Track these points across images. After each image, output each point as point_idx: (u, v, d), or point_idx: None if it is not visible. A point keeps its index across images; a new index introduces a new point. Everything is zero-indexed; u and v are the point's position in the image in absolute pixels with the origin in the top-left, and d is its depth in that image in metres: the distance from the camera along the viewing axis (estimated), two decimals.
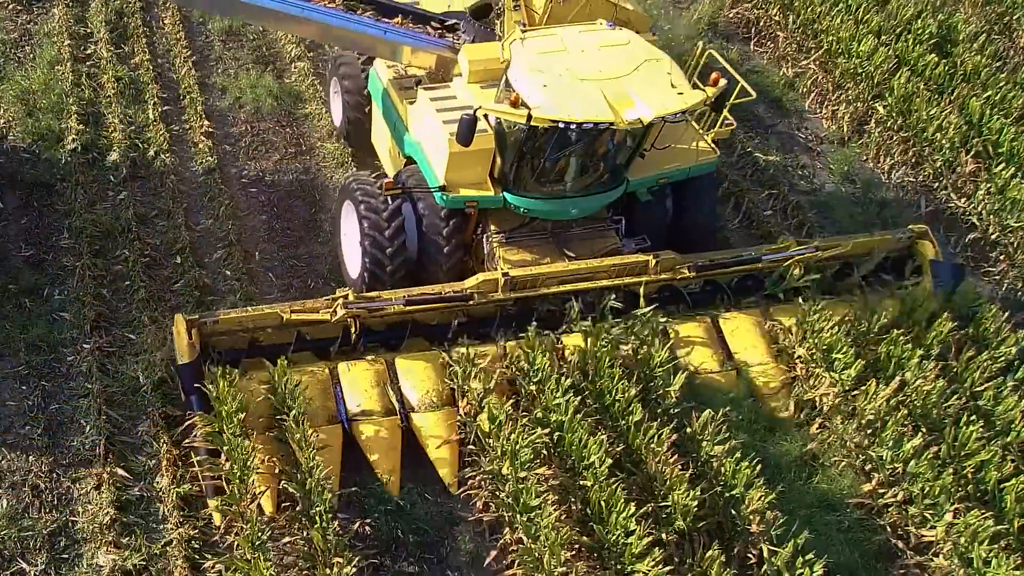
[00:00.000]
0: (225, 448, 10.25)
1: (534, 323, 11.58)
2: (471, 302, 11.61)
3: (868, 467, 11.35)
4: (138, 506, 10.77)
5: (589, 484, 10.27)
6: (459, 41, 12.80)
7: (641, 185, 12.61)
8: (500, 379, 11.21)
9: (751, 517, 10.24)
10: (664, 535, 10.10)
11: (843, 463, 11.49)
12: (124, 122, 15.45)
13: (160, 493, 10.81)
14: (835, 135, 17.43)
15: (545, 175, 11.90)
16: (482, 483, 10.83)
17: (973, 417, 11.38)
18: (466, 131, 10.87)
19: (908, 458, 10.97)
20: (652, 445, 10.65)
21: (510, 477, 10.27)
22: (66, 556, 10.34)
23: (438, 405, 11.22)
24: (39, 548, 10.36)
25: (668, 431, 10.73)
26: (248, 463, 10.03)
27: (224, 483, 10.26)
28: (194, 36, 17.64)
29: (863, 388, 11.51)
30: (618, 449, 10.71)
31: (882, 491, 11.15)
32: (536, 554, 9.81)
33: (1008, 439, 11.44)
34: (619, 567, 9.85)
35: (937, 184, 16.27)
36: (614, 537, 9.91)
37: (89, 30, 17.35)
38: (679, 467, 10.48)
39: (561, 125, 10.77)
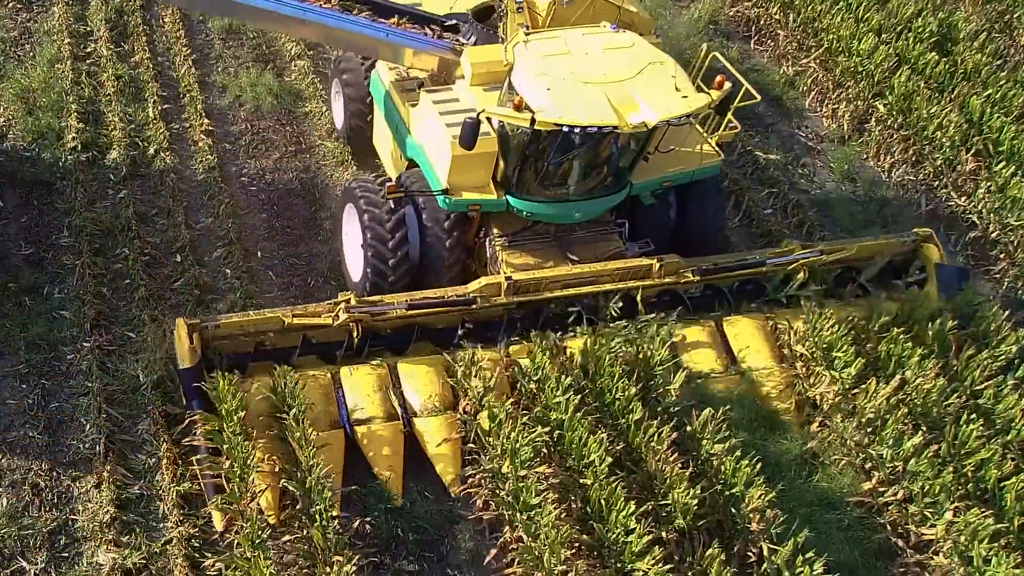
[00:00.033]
0: (226, 447, 10.23)
1: (536, 328, 11.58)
2: (474, 306, 11.55)
3: (868, 465, 11.34)
4: (138, 504, 10.77)
5: (589, 482, 10.27)
6: (462, 43, 12.74)
7: (645, 188, 12.53)
8: (500, 379, 11.17)
9: (751, 515, 10.24)
10: (664, 533, 10.10)
11: (843, 461, 11.48)
12: (124, 120, 15.44)
13: (160, 491, 10.81)
14: (835, 133, 17.42)
15: (548, 178, 11.83)
16: (482, 481, 10.82)
17: (973, 415, 11.37)
18: (469, 134, 10.81)
19: (908, 456, 10.97)
20: (652, 443, 10.65)
21: (510, 475, 10.27)
22: (66, 554, 10.34)
23: (441, 410, 11.13)
24: (39, 546, 10.35)
25: (668, 429, 10.73)
26: (248, 461, 10.02)
27: (224, 481, 10.24)
28: (194, 34, 17.63)
29: (863, 386, 11.49)
30: (618, 447, 10.71)
31: (882, 489, 11.14)
32: (536, 552, 9.81)
33: (1008, 437, 11.43)
34: (619, 565, 9.84)
35: (937, 183, 16.26)
36: (614, 535, 9.91)
37: (89, 28, 17.35)
38: (679, 465, 10.47)
39: (565, 129, 10.70)
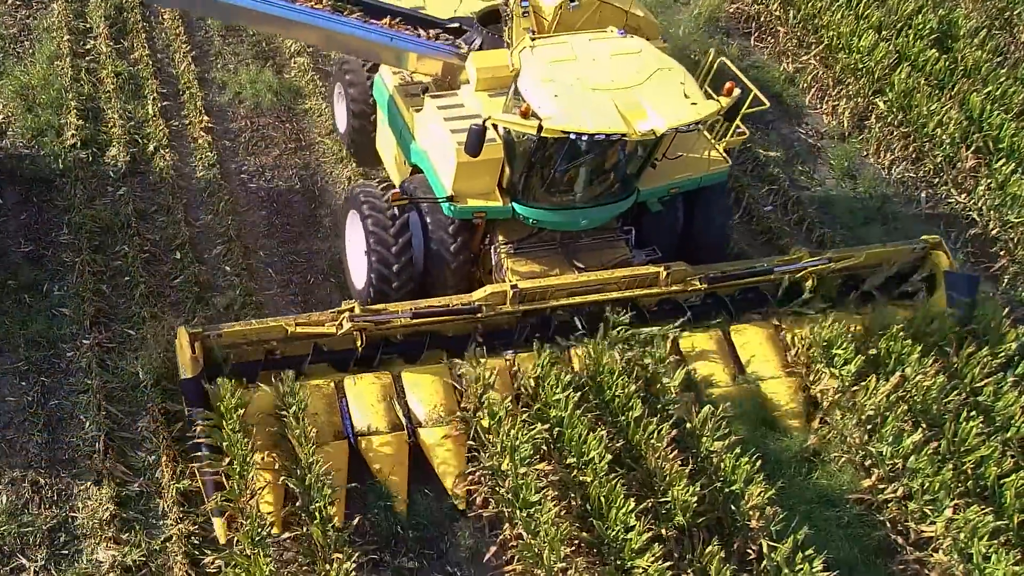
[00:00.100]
0: (225, 444, 10.22)
1: (546, 336, 11.54)
2: (480, 315, 11.43)
3: (868, 463, 11.34)
4: (138, 502, 10.77)
5: (589, 480, 10.27)
6: (465, 47, 12.62)
7: (652, 195, 12.38)
8: (505, 382, 11.12)
9: (751, 513, 10.25)
10: (664, 531, 10.11)
11: (843, 459, 11.48)
12: (123, 118, 15.43)
13: (160, 489, 10.81)
14: (835, 130, 17.41)
15: (555, 185, 11.69)
16: (482, 479, 10.80)
17: (973, 413, 11.35)
18: (475, 142, 10.70)
19: (908, 454, 10.96)
20: (652, 441, 10.64)
21: (510, 473, 10.26)
22: (66, 552, 10.34)
23: (446, 420, 11.02)
24: (39, 544, 10.35)
25: (668, 427, 10.73)
26: (248, 459, 10.01)
27: (224, 479, 10.23)
28: (193, 31, 17.61)
29: (863, 384, 11.48)
30: (618, 445, 10.71)
31: (882, 487, 11.14)
32: (536, 550, 9.81)
33: (1008, 435, 11.42)
34: (619, 563, 9.85)
35: (937, 180, 16.26)
36: (614, 533, 9.91)
37: (88, 25, 17.32)
38: (679, 463, 10.47)
39: (572, 136, 10.56)
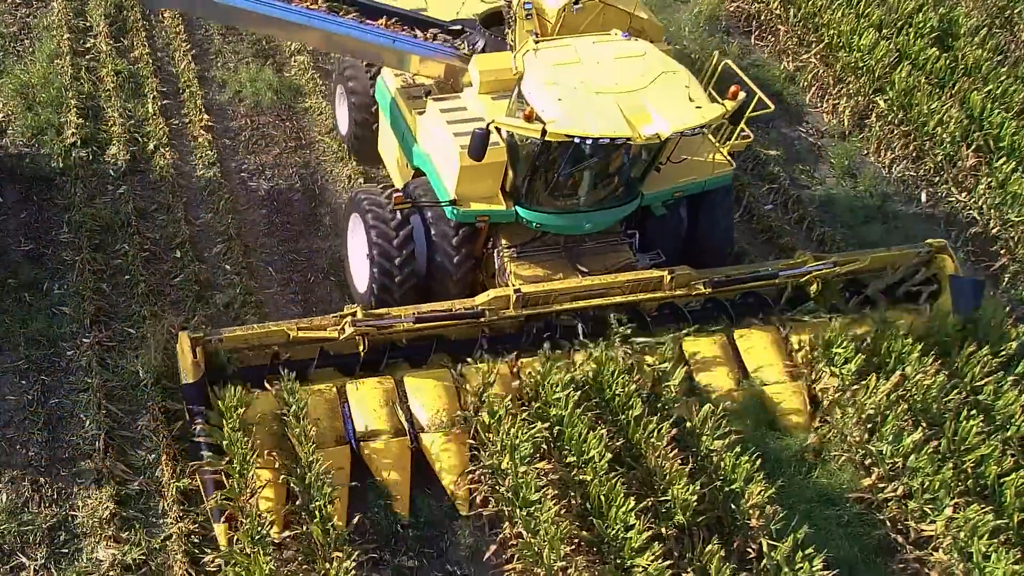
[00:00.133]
0: (225, 443, 10.21)
1: (553, 338, 11.50)
2: (483, 319, 11.37)
3: (868, 462, 11.33)
4: (138, 500, 10.77)
5: (589, 478, 10.27)
6: (467, 50, 12.51)
7: (656, 199, 12.30)
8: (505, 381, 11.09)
9: (751, 512, 10.25)
10: (664, 529, 10.10)
11: (843, 458, 11.47)
12: (123, 116, 15.42)
13: (160, 488, 10.81)
14: (836, 129, 17.41)
15: (558, 189, 11.62)
16: (482, 477, 10.80)
17: (973, 412, 11.35)
18: (478, 145, 10.62)
19: (908, 452, 10.96)
20: (652, 439, 10.64)
21: (510, 471, 10.26)
22: (66, 550, 10.34)
23: (449, 425, 10.99)
24: (39, 542, 10.35)
25: (668, 425, 10.73)
26: (248, 458, 10.00)
27: (224, 477, 10.23)
28: (193, 30, 17.60)
29: (863, 382, 11.48)
30: (618, 444, 10.70)
31: (882, 486, 11.14)
32: (536, 548, 9.82)
33: (1008, 434, 11.42)
34: (618, 561, 9.85)
35: (938, 178, 16.26)
36: (614, 531, 9.91)
37: (88, 24, 17.32)
38: (679, 461, 10.47)
39: (576, 140, 10.50)
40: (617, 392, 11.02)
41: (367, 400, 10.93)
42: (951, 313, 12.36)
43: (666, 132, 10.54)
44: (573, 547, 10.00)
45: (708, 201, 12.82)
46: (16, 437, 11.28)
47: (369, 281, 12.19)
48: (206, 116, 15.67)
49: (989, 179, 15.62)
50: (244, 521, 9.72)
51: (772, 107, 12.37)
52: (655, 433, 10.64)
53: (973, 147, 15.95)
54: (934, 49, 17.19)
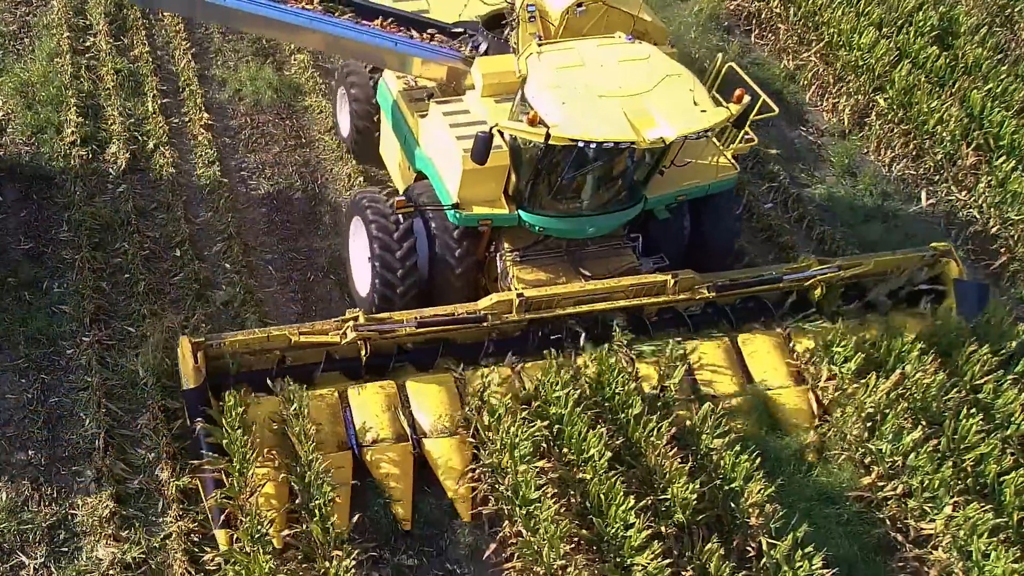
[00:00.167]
0: (225, 441, 10.20)
1: (556, 343, 11.45)
2: (485, 323, 11.30)
3: (868, 460, 11.32)
4: (137, 499, 10.77)
5: (588, 477, 10.27)
6: (468, 50, 12.45)
7: (659, 203, 12.22)
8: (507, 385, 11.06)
9: (750, 510, 10.25)
10: (663, 528, 10.10)
11: (843, 456, 11.47)
12: (123, 115, 15.42)
13: (160, 486, 10.80)
14: (836, 128, 17.41)
15: (561, 193, 11.55)
16: (481, 476, 10.79)
17: (973, 410, 11.35)
18: (481, 149, 10.57)
19: (908, 451, 10.96)
20: (652, 438, 10.64)
21: (509, 470, 10.26)
22: (65, 549, 10.33)
23: (451, 430, 10.92)
24: (38, 541, 10.35)
25: (667, 424, 10.72)
26: (248, 456, 9.99)
27: (224, 476, 10.23)
28: (193, 28, 17.59)
29: (863, 381, 11.48)
30: (617, 442, 10.68)
31: (881, 484, 11.13)
32: (535, 547, 9.82)
33: (1008, 432, 11.43)
34: (618, 560, 9.85)
35: (938, 177, 16.26)
36: (613, 530, 9.91)
37: (88, 22, 17.31)
38: (678, 460, 10.47)
39: (580, 144, 10.43)
40: (617, 391, 11.01)
41: (369, 405, 10.86)
42: (955, 317, 12.28)
43: (670, 136, 10.47)
44: (573, 546, 9.99)
45: (712, 205, 12.75)
46: (16, 436, 11.28)
47: (371, 285, 12.11)
48: (206, 115, 15.66)
49: (989, 178, 15.62)
50: (244, 520, 9.72)
51: (776, 110, 12.32)
52: (655, 432, 10.64)
53: (973, 146, 15.96)
54: (934, 48, 17.19)
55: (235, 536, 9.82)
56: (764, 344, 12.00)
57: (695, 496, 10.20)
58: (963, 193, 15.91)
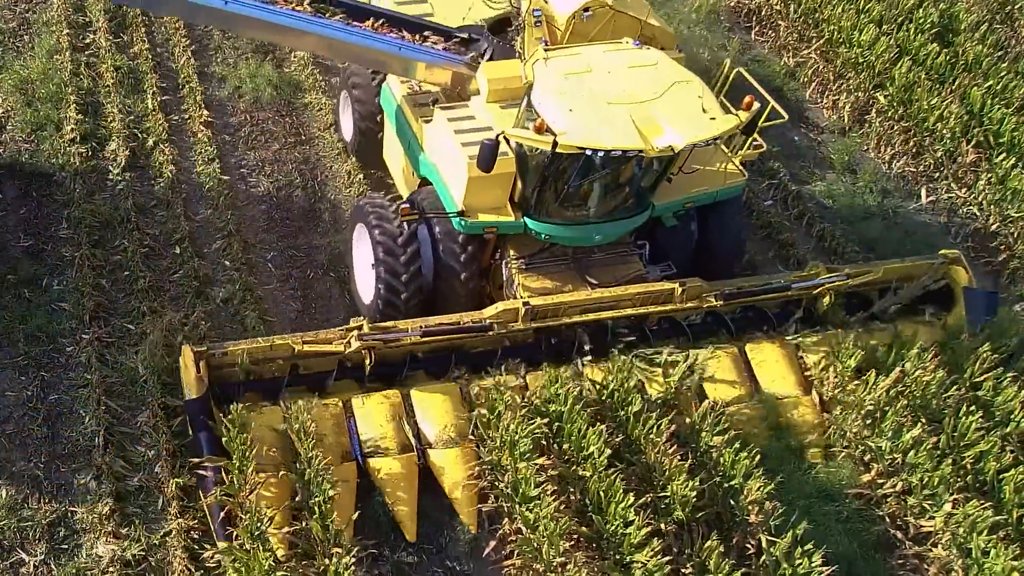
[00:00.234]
0: (224, 440, 10.18)
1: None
2: (490, 332, 11.18)
3: (867, 457, 11.33)
4: (137, 496, 10.76)
5: (588, 474, 10.27)
6: (468, 53, 12.32)
7: (667, 210, 12.08)
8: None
9: (750, 507, 10.25)
10: (663, 525, 10.10)
11: (842, 453, 11.47)
12: (123, 112, 15.41)
13: (160, 484, 10.79)
14: (836, 125, 17.40)
15: (568, 200, 11.36)
16: (481, 473, 10.79)
17: (973, 408, 11.35)
18: (488, 157, 10.44)
19: (907, 448, 10.96)
20: (651, 435, 10.64)
21: (509, 467, 10.26)
22: (65, 546, 10.34)
23: (457, 441, 10.79)
24: (38, 538, 10.35)
25: (667, 421, 10.72)
26: (248, 454, 9.99)
27: (224, 474, 10.22)
28: (193, 25, 17.51)
29: (863, 378, 11.47)
30: (617, 440, 10.68)
31: (881, 481, 11.14)
32: (535, 544, 9.83)
33: (1007, 430, 11.42)
34: (618, 557, 9.86)
35: (938, 174, 16.27)
36: (613, 527, 9.92)
37: (88, 19, 17.28)
38: (678, 457, 10.47)
39: (588, 152, 10.28)
40: (616, 388, 11.01)
41: (373, 415, 10.76)
42: (966, 326, 12.21)
43: (679, 144, 10.34)
44: (572, 543, 9.98)
45: (719, 211, 12.63)
46: (15, 433, 11.28)
47: (375, 292, 11.99)
48: (206, 112, 15.65)
49: (989, 175, 15.63)
50: (243, 518, 9.71)
51: (786, 117, 12.18)
52: (654, 429, 10.64)
53: (973, 143, 15.96)
54: (934, 45, 17.19)
55: (235, 534, 9.80)
56: (773, 353, 11.89)
57: (695, 493, 10.20)
58: (963, 190, 15.91)
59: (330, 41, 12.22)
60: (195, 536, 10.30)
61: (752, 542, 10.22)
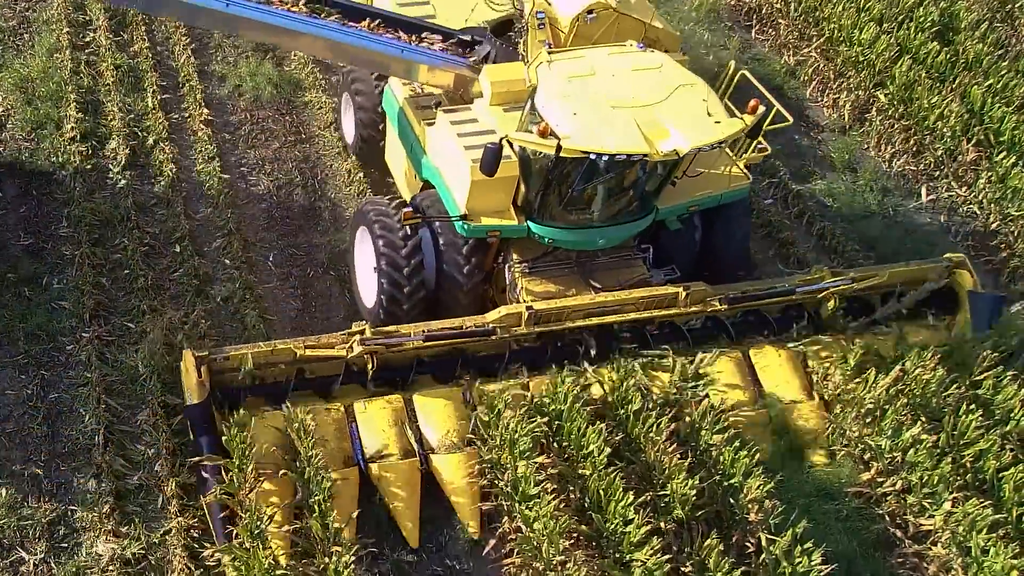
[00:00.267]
0: (224, 438, 10.17)
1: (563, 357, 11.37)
2: (493, 337, 11.11)
3: (867, 456, 11.32)
4: (137, 495, 10.76)
5: (588, 473, 10.27)
6: (478, 60, 12.22)
7: (671, 213, 12.01)
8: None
9: (749, 506, 10.24)
10: (663, 524, 10.09)
11: (842, 452, 11.47)
12: (123, 110, 15.41)
13: (159, 482, 10.80)
14: (836, 123, 17.39)
15: (572, 204, 11.25)
16: (481, 472, 10.79)
17: (972, 406, 11.33)
18: (491, 161, 10.38)
19: (907, 447, 10.95)
20: (651, 434, 10.64)
21: (509, 466, 10.26)
22: (65, 545, 10.34)
23: (460, 446, 10.72)
24: (38, 537, 10.35)
25: (667, 420, 10.72)
26: (247, 452, 9.98)
27: (224, 472, 10.21)
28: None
29: (863, 376, 11.47)
30: (617, 438, 10.68)
31: (881, 480, 11.13)
32: (535, 543, 9.82)
33: (1007, 428, 11.39)
34: (617, 556, 9.85)
35: (938, 173, 16.26)
36: (612, 526, 9.91)
37: (88, 17, 17.29)
38: (678, 456, 10.47)
39: (592, 156, 10.24)
40: (616, 386, 11.02)
41: (375, 420, 10.69)
42: (971, 331, 12.16)
43: (684, 148, 10.26)
44: (572, 541, 9.97)
45: (723, 215, 12.58)
46: (15, 432, 11.28)
47: (377, 296, 11.94)
48: (206, 110, 15.65)
49: (989, 173, 15.61)
50: (243, 517, 9.72)
51: (791, 120, 12.14)
52: (654, 428, 10.64)
53: (973, 141, 15.95)
54: (935, 43, 17.17)
55: (235, 532, 9.80)
56: (777, 357, 11.83)
57: (694, 492, 10.19)
58: (963, 189, 15.91)
59: (333, 43, 12.11)
60: (195, 535, 10.29)
61: (752, 540, 10.21)
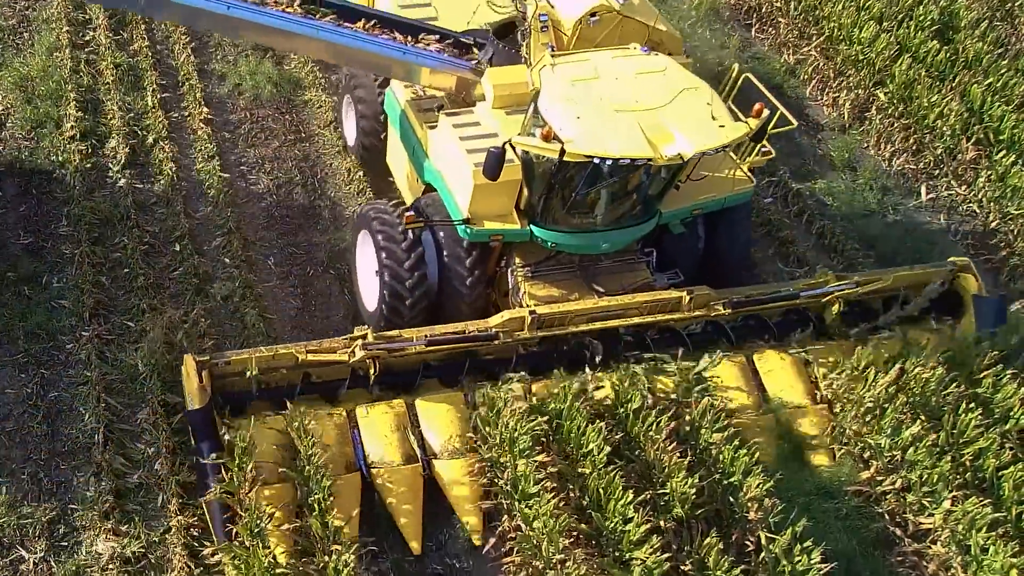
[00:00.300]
0: (225, 437, 10.19)
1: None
2: (496, 341, 11.04)
3: (867, 455, 11.33)
4: (137, 493, 10.77)
5: (587, 472, 10.27)
6: (481, 62, 12.15)
7: (674, 217, 11.95)
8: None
9: (749, 504, 10.24)
10: (662, 522, 10.10)
11: (842, 451, 11.47)
12: (123, 109, 15.41)
13: (159, 481, 10.80)
14: (836, 122, 17.39)
15: (575, 208, 11.21)
16: (481, 470, 10.79)
17: (972, 405, 11.34)
18: (494, 165, 10.32)
19: (907, 446, 10.96)
20: (651, 433, 10.64)
21: (509, 464, 10.27)
22: (65, 543, 10.35)
23: (462, 452, 10.66)
24: (38, 535, 10.36)
25: (667, 419, 10.72)
26: (248, 450, 9.99)
27: (224, 470, 10.21)
28: None
29: (863, 375, 11.47)
30: (617, 437, 10.68)
31: (880, 479, 11.14)
32: (534, 541, 9.83)
33: (1007, 427, 11.41)
34: (617, 554, 9.86)
35: (938, 171, 16.26)
36: (612, 524, 9.92)
37: (88, 16, 17.28)
38: (677, 455, 10.47)
39: (596, 160, 10.16)
40: (616, 386, 11.02)
41: (378, 425, 10.64)
42: (976, 333, 12.11)
43: (688, 153, 10.22)
44: (572, 540, 9.96)
45: (727, 218, 12.53)
46: (15, 430, 11.29)
47: (379, 300, 11.89)
48: (205, 109, 15.65)
49: (989, 172, 15.61)
50: (243, 516, 9.72)
51: (795, 123, 12.11)
52: (654, 426, 10.64)
53: (973, 140, 15.95)
54: (935, 42, 17.17)
55: (235, 531, 9.80)
56: (780, 362, 11.79)
57: (694, 490, 10.19)
58: (963, 188, 15.91)
59: (331, 46, 12.02)
60: (195, 533, 10.30)
61: (751, 539, 10.21)
